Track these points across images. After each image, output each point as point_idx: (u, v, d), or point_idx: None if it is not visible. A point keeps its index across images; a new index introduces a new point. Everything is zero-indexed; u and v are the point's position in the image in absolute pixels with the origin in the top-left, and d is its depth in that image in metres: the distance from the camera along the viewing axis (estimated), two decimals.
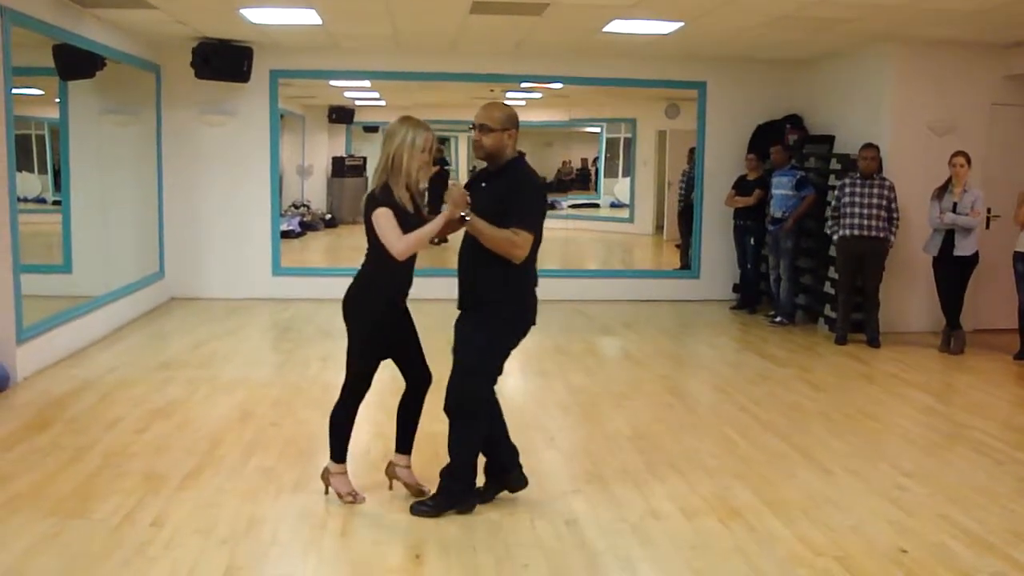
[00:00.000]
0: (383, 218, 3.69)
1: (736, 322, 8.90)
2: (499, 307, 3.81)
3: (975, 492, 4.32)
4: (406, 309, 4.01)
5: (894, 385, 6.49)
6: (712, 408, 5.80)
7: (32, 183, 8.71)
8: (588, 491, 4.21)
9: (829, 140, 8.95)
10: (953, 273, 7.43)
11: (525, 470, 4.10)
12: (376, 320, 3.89)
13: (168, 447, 4.75)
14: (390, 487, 4.13)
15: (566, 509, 4.00)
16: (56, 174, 7.90)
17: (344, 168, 17.59)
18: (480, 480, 4.03)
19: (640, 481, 4.37)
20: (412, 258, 3.84)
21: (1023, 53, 7.96)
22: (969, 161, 7.29)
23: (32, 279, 6.34)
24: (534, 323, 3.91)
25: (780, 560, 3.53)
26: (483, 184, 3.91)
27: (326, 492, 4.05)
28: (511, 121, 3.83)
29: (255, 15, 7.32)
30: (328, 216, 16.81)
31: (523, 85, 12.22)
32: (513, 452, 4.08)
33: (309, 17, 7.35)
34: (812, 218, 8.54)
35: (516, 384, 6.39)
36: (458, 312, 3.90)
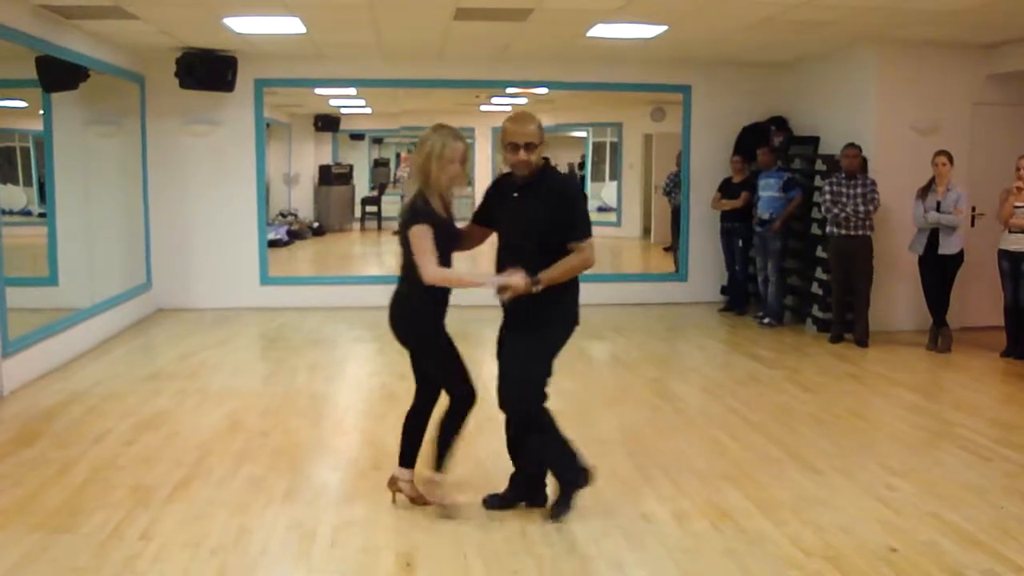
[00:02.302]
0: (421, 238, 3.61)
1: (724, 324, 8.92)
2: (554, 313, 3.82)
3: (964, 489, 4.34)
4: None
5: (882, 384, 6.52)
6: (701, 410, 5.80)
7: (17, 195, 8.67)
8: (579, 495, 4.20)
9: (814, 141, 9.00)
10: (938, 272, 7.47)
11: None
12: (437, 327, 3.84)
13: (156, 459, 4.72)
14: (393, 500, 4.09)
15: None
16: (41, 186, 7.86)
17: (331, 176, 17.56)
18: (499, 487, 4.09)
19: (630, 485, 4.37)
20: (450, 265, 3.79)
21: (1004, 53, 8.02)
22: (951, 160, 7.34)
23: (18, 292, 6.31)
24: (578, 322, 3.92)
25: (771, 561, 3.53)
26: (515, 195, 3.81)
27: (393, 500, 4.01)
28: (543, 130, 3.79)
29: (239, 24, 7.30)
30: (316, 224, 16.78)
31: (508, 91, 12.25)
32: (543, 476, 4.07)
33: (293, 26, 7.34)
34: (799, 219, 8.59)
35: None
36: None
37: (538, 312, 3.77)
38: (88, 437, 5.07)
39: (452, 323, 3.88)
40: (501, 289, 3.62)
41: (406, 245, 3.72)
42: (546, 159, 3.84)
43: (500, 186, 3.99)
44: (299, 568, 3.52)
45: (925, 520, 3.95)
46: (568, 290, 3.83)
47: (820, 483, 4.43)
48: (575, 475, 3.96)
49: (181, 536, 3.73)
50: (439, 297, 3.78)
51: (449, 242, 3.77)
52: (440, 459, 3.92)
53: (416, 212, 3.65)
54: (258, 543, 3.69)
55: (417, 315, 3.81)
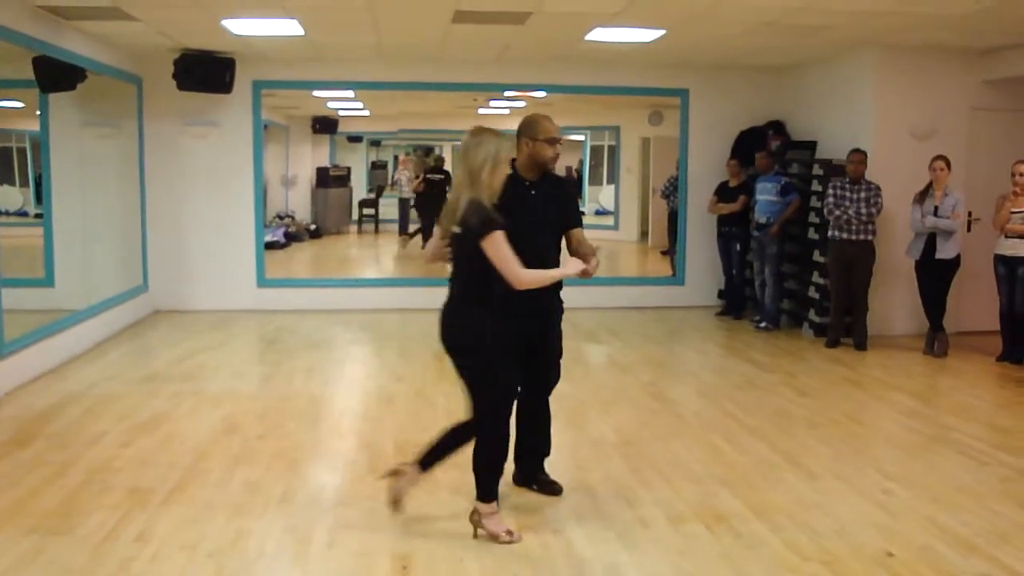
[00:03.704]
0: (501, 245, 3.51)
1: (721, 328, 8.93)
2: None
3: (960, 494, 4.35)
4: None
5: (879, 388, 6.52)
6: (698, 414, 5.81)
7: (14, 196, 8.66)
8: (574, 499, 4.21)
9: (811, 146, 9.01)
10: (935, 276, 7.48)
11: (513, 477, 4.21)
12: (504, 344, 3.71)
13: (153, 461, 4.71)
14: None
15: (553, 517, 3.99)
16: (38, 187, 7.85)
17: (328, 178, 17.57)
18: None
19: (626, 488, 4.37)
20: None
21: (1000, 58, 8.04)
22: (949, 165, 7.35)
23: (14, 293, 6.30)
24: None
25: (767, 565, 3.54)
26: (532, 192, 4.02)
27: (475, 535, 3.75)
28: None
29: (237, 26, 7.30)
30: (313, 227, 16.78)
31: (506, 94, 12.26)
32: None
33: (291, 28, 7.34)
34: (796, 223, 8.60)
35: None
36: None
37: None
38: (84, 439, 5.07)
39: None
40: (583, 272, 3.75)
41: (471, 252, 3.58)
42: None
43: (518, 185, 4.00)
44: (296, 571, 3.51)
45: (921, 524, 3.95)
46: None
47: (816, 487, 4.43)
48: None
49: (178, 538, 3.73)
50: (498, 304, 3.70)
51: None
52: (431, 461, 3.86)
53: (489, 219, 3.54)
54: (255, 546, 3.68)
55: (482, 323, 3.69)
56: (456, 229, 3.62)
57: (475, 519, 3.75)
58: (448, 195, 3.76)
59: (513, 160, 4.06)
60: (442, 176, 14.81)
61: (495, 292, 3.63)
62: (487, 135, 3.67)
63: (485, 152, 3.62)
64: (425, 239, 14.37)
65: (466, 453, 3.77)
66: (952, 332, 7.81)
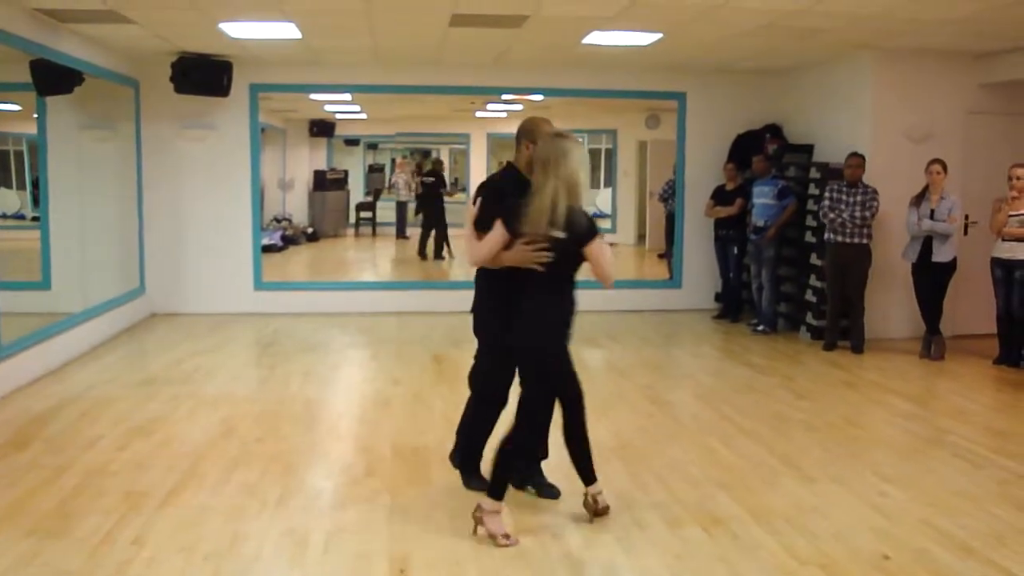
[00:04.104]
0: (606, 248, 3.75)
1: (718, 331, 8.93)
2: None
3: (956, 497, 4.35)
4: None
5: (876, 392, 6.53)
6: (695, 417, 5.81)
7: (11, 199, 8.67)
8: (572, 502, 4.20)
9: (808, 149, 9.02)
10: (932, 279, 7.49)
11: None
12: (566, 347, 3.93)
13: (149, 464, 4.71)
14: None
15: (550, 521, 4.00)
16: (35, 190, 7.85)
17: (326, 181, 17.57)
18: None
19: (623, 491, 4.37)
20: None
21: (997, 62, 8.06)
22: (946, 168, 7.37)
23: (11, 296, 6.30)
24: None
25: (764, 568, 3.54)
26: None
27: (474, 532, 3.80)
28: None
29: (234, 29, 7.30)
30: (310, 230, 16.78)
31: (504, 97, 12.28)
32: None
33: (289, 31, 7.34)
34: (793, 227, 8.61)
35: None
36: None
37: None
38: (81, 442, 5.06)
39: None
40: None
41: (570, 256, 3.72)
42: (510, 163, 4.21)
43: (512, 191, 3.99)
44: (293, 573, 3.51)
45: (918, 527, 3.96)
46: None
47: (813, 490, 4.43)
48: None
49: (174, 542, 3.72)
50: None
51: None
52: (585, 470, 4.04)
53: (594, 225, 3.75)
54: (252, 549, 3.68)
55: (566, 322, 3.90)
56: (560, 234, 3.66)
57: (477, 515, 3.78)
58: (535, 201, 3.67)
59: (511, 162, 4.12)
60: (433, 179, 14.84)
61: (572, 291, 3.85)
62: (571, 144, 3.74)
63: (576, 159, 3.71)
64: (423, 241, 14.39)
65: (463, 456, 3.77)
66: (949, 335, 7.82)
